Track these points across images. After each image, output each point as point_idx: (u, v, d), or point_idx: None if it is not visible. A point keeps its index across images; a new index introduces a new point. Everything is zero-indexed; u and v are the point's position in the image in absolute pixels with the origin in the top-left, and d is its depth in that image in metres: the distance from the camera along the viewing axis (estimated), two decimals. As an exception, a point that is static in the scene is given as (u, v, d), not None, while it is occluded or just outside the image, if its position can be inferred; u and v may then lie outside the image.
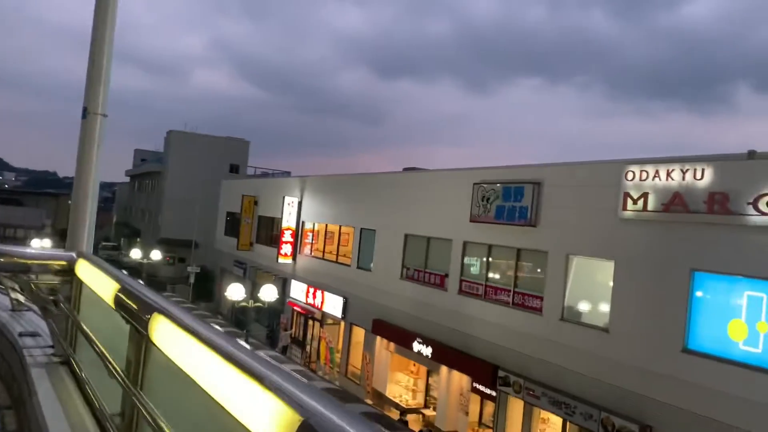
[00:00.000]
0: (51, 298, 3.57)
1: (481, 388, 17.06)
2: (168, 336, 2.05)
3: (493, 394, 16.55)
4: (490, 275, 17.39)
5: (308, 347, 27.65)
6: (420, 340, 19.25)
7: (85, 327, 3.14)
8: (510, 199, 16.42)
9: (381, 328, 21.56)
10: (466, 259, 18.30)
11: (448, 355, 18.18)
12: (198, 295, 40.34)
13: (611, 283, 13.78)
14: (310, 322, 27.93)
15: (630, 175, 13.32)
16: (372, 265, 23.15)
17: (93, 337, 2.99)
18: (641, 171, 13.15)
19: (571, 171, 15.28)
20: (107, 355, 2.70)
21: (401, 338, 20.39)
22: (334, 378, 23.66)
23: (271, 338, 30.56)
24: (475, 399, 17.64)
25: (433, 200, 19.84)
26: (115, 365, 2.51)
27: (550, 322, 15.09)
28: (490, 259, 17.46)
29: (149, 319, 2.14)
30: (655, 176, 12.88)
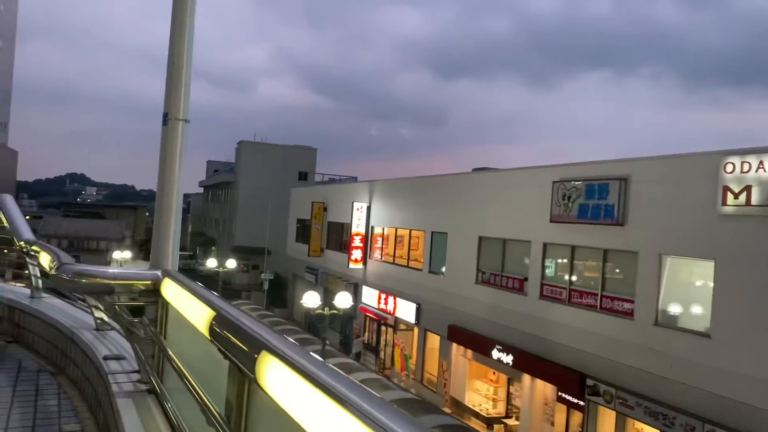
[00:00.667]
0: (135, 320, 3.29)
1: (568, 397, 16.19)
2: (281, 381, 1.65)
3: (581, 403, 15.67)
4: (574, 278, 16.50)
5: (382, 353, 27.34)
6: (500, 348, 18.54)
7: (172, 354, 2.82)
8: (594, 197, 15.52)
9: (457, 334, 20.96)
10: (547, 262, 17.47)
11: (530, 362, 17.40)
12: (272, 301, 40.88)
13: (712, 284, 12.71)
14: (383, 327, 27.63)
15: (729, 167, 12.25)
16: (444, 269, 22.59)
17: (182, 368, 2.66)
18: (742, 162, 12.06)
19: (661, 165, 14.26)
20: (200, 391, 2.36)
21: (479, 345, 19.73)
22: (410, 386, 23.21)
23: (345, 344, 30.45)
24: (561, 409, 16.77)
25: (509, 201, 19.11)
26: (211, 407, 2.16)
27: (642, 327, 14.10)
28: (574, 261, 16.57)
29: (256, 358, 1.75)
30: (759, 167, 11.77)
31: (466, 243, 21.01)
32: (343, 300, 16.24)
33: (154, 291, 3.17)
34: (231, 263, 33.33)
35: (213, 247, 62.20)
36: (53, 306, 4.96)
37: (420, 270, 24.24)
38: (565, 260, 16.91)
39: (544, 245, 17.43)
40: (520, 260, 18.68)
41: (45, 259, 3.91)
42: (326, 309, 16.42)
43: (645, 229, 14.22)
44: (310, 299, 16.13)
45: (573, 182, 16.18)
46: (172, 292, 2.90)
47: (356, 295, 29.95)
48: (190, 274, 59.37)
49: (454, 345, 21.31)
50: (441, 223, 22.94)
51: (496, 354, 18.60)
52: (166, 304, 3.13)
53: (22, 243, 4.88)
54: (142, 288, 3.21)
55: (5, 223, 5.20)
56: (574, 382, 15.73)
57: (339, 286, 31.97)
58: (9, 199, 5.29)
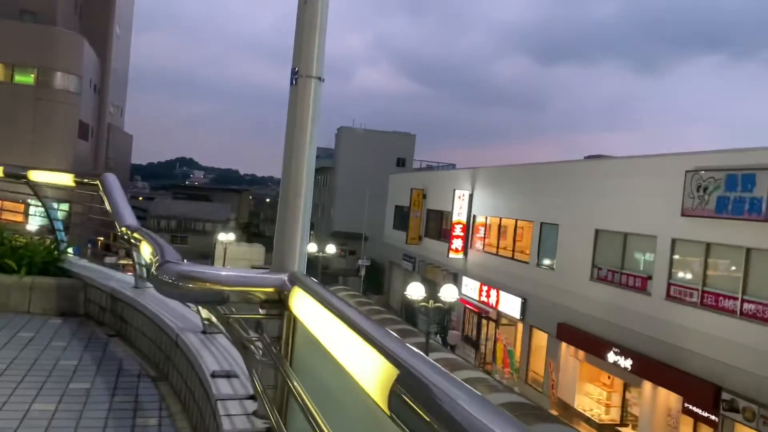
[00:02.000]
0: (254, 337, 2.61)
1: (697, 410, 14.58)
2: None
3: (713, 418, 14.04)
4: (709, 279, 14.76)
5: (482, 347, 26.33)
6: (617, 350, 17.07)
7: (301, 390, 2.08)
8: (736, 189, 13.71)
9: (567, 333, 19.60)
10: (676, 259, 15.78)
11: (652, 368, 15.84)
12: (368, 287, 40.78)
13: None
14: (484, 321, 26.58)
15: None
16: (555, 263, 21.19)
17: (313, 411, 1.92)
18: None
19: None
20: None
21: (592, 346, 18.31)
22: (514, 384, 22.08)
23: (443, 337, 29.66)
24: (687, 421, 15.16)
25: (631, 191, 17.44)
26: None
27: (795, 340, 12.31)
28: (709, 259, 14.83)
29: None
30: None
31: (581, 236, 19.53)
32: (448, 293, 15.39)
33: (279, 302, 2.46)
34: (330, 248, 33.32)
35: (311, 231, 63.26)
36: (157, 299, 4.42)
37: (526, 263, 22.95)
38: (697, 258, 15.17)
39: (673, 241, 15.74)
40: (643, 256, 17.07)
41: (146, 251, 3.27)
42: (431, 302, 15.64)
43: (802, 227, 12.37)
44: (414, 290, 15.40)
45: (711, 172, 14.40)
46: (306, 306, 2.16)
47: (456, 285, 29.03)
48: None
49: (564, 344, 19.96)
50: (551, 213, 21.53)
51: (612, 357, 17.15)
52: (293, 320, 2.41)
53: (123, 228, 4.36)
54: (262, 297, 2.50)
55: (107, 205, 4.72)
56: (705, 394, 14.11)
57: (438, 275, 31.21)
58: (111, 179, 4.83)
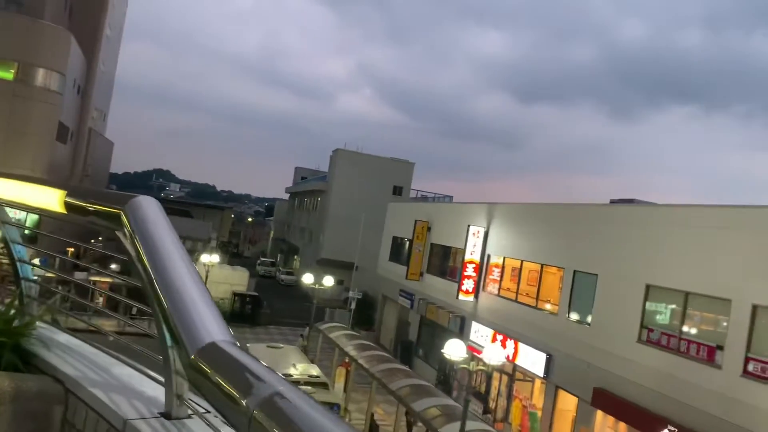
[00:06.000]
0: None
1: None
2: None
3: None
4: (805, 358, 12.52)
5: (492, 403, 23.74)
6: (673, 429, 14.67)
7: None
8: None
9: (605, 400, 17.17)
10: (758, 329, 13.52)
11: (723, 457, 13.46)
12: (357, 321, 37.97)
13: None
14: (496, 373, 24.03)
15: None
16: (591, 318, 18.84)
17: None
18: None
19: None
20: None
21: (639, 420, 15.89)
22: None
23: (444, 384, 27.01)
24: None
25: (697, 244, 15.25)
26: None
27: None
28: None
29: None
30: None
31: (626, 290, 17.24)
32: (494, 354, 12.85)
33: None
34: (328, 280, 30.62)
35: (296, 256, 60.28)
36: None
37: (554, 314, 20.57)
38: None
39: (755, 308, 13.49)
40: (710, 322, 14.83)
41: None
42: (472, 364, 13.07)
43: None
44: (455, 349, 12.82)
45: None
46: None
47: (462, 330, 26.57)
48: (271, 281, 57.51)
49: (600, 413, 17.52)
50: (588, 261, 19.25)
51: (666, 436, 14.75)
52: None
53: (193, 357, 1.81)
54: None
55: (143, 265, 2.21)
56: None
57: (441, 316, 28.72)
58: (152, 211, 2.36)
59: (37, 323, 3.71)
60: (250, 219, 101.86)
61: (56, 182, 3.11)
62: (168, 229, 2.20)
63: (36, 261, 5.30)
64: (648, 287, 16.63)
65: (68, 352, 3.51)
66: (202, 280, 1.93)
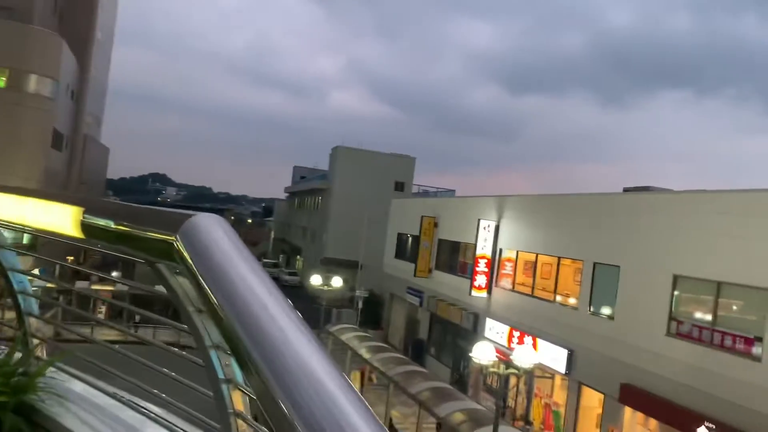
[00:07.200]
0: None
1: None
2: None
3: None
4: None
5: (511, 401, 23.08)
6: (711, 426, 14.02)
7: None
8: None
9: (635, 396, 16.52)
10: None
11: (767, 455, 12.82)
12: (364, 320, 37.29)
13: None
14: (512, 369, 23.35)
15: None
16: (614, 311, 18.18)
17: None
18: None
19: None
20: None
21: (673, 417, 15.24)
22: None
23: (459, 383, 26.35)
24: None
25: (727, 232, 14.57)
26: None
27: None
28: None
29: None
30: None
31: (652, 281, 16.57)
32: (525, 357, 12.18)
33: None
34: (337, 281, 29.88)
35: (298, 256, 59.57)
36: None
37: (574, 308, 19.92)
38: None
39: (795, 297, 12.84)
40: (746, 311, 14.17)
41: None
42: (501, 367, 12.41)
43: None
44: (484, 353, 12.16)
45: None
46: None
47: (476, 327, 25.92)
48: (275, 283, 56.03)
49: (628, 410, 16.88)
50: (609, 252, 18.58)
51: (703, 433, 14.11)
52: None
53: None
54: None
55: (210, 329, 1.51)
56: None
57: (453, 313, 28.05)
58: (222, 245, 1.64)
59: (47, 371, 3.00)
60: (249, 221, 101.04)
61: (70, 195, 2.35)
62: (260, 273, 1.41)
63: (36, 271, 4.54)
64: (676, 278, 15.96)
65: (87, 407, 2.79)
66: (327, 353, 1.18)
